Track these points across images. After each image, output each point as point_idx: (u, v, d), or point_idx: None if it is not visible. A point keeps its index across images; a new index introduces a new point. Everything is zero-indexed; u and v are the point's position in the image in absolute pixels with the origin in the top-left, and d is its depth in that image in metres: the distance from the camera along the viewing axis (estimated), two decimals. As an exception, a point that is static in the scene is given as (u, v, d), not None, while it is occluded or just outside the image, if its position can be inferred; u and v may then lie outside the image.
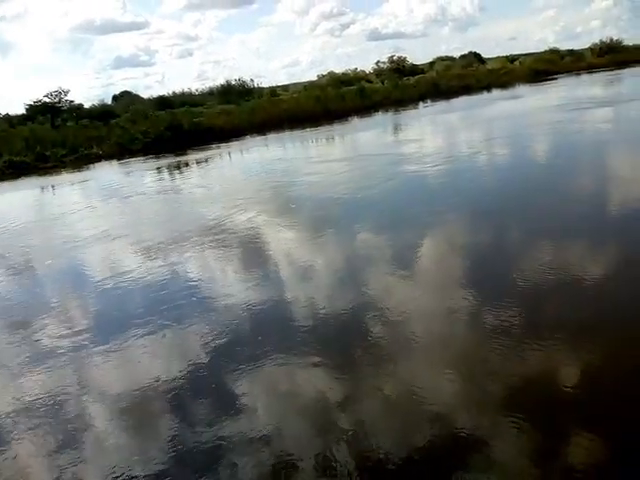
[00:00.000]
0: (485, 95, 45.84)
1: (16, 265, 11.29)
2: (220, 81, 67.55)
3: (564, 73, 62.92)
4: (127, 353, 6.52)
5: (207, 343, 6.45)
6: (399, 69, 74.85)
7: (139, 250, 10.90)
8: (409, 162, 17.16)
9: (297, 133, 33.46)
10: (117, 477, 4.31)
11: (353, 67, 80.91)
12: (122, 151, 31.43)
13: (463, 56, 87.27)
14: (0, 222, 15.61)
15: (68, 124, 46.76)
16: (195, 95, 66.40)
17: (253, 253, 9.89)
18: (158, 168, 24.74)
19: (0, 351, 7.09)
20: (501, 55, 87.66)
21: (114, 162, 29.38)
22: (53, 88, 49.68)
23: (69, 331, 7.31)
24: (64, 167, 29.38)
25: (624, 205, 9.84)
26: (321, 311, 6.98)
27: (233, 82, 63.59)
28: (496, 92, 47.48)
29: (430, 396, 4.82)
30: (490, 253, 8.49)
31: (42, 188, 23.98)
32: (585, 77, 55.01)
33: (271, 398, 5.28)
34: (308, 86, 66.64)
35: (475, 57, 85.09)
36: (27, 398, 5.73)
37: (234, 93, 59.17)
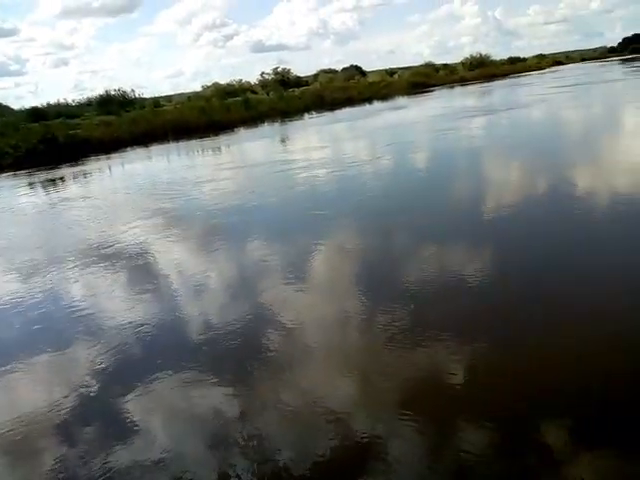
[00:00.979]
0: (368, 107, 47.45)
1: None
2: (99, 91, 64.70)
3: (439, 85, 66.77)
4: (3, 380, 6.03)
5: (93, 367, 6.05)
6: (284, 81, 75.85)
7: (12, 273, 10.12)
8: (299, 170, 17.25)
9: (182, 144, 32.73)
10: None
11: (238, 78, 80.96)
12: (-10, 166, 29.08)
13: (345, 69, 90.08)
14: None
15: None
16: (72, 106, 63.36)
17: (141, 270, 9.39)
18: (30, 184, 23.08)
19: None
20: (381, 68, 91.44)
21: (-20, 178, 27.11)
22: None
23: None
24: None
25: (502, 207, 10.46)
26: (215, 326, 6.75)
27: (113, 92, 61.38)
28: (378, 104, 49.27)
29: (328, 403, 4.79)
30: (378, 257, 8.62)
31: None
32: (459, 89, 58.60)
33: (166, 420, 5.03)
34: (192, 97, 65.68)
35: (357, 70, 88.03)
36: None
37: (114, 104, 56.96)
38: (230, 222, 12.02)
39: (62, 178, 23.76)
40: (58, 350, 6.60)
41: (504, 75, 75.74)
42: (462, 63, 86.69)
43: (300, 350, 5.94)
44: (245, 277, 8.63)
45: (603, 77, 51.16)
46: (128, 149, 32.72)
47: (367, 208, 11.72)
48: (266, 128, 38.97)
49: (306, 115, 44.87)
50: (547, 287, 6.69)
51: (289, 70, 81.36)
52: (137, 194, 17.46)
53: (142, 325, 6.94)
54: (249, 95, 61.07)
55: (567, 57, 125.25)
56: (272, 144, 28.11)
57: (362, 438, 4.31)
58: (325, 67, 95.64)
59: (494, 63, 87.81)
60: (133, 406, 5.21)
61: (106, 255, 10.28)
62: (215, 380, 5.50)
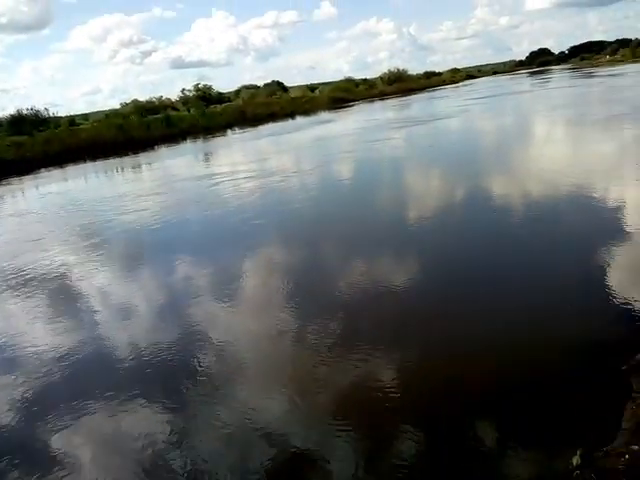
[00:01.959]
0: (291, 122, 47.63)
1: None
2: (10, 111, 61.50)
3: (359, 100, 68.04)
4: None
5: (15, 397, 5.69)
6: (205, 97, 75.08)
7: None
8: (225, 189, 16.96)
9: (100, 164, 31.56)
10: None
11: (158, 95, 79.44)
12: None
13: (267, 84, 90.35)
14: None
15: None
16: (-20, 127, 59.77)
17: (62, 297, 8.82)
18: None
19: None
20: (302, 84, 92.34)
21: None
22: None
23: None
24: None
25: (430, 214, 10.68)
26: (144, 349, 6.43)
27: (25, 112, 58.38)
28: (301, 119, 49.61)
29: (264, 419, 4.75)
30: (305, 268, 8.61)
31: None
32: (379, 103, 59.93)
33: (94, 448, 4.77)
34: (110, 114, 63.79)
35: (278, 85, 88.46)
36: None
37: (26, 123, 54.22)
38: (155, 239, 11.70)
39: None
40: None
41: (421, 89, 78.32)
42: (381, 78, 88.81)
43: (231, 366, 5.80)
44: (175, 292, 8.42)
45: (514, 89, 53.94)
46: (42, 170, 31.21)
47: (296, 219, 11.69)
48: (188, 145, 38.28)
49: (229, 131, 44.51)
50: (467, 292, 6.89)
51: (210, 86, 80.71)
52: (55, 218, 16.59)
53: (65, 353, 6.59)
54: (170, 112, 59.98)
55: (479, 71, 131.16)
56: (195, 161, 27.61)
57: (298, 450, 4.28)
58: (247, 83, 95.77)
59: (411, 77, 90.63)
60: (60, 436, 4.92)
61: (24, 281, 9.69)
62: (145, 403, 5.28)
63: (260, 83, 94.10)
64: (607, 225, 8.61)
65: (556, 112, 26.82)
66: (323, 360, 5.59)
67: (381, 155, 20.04)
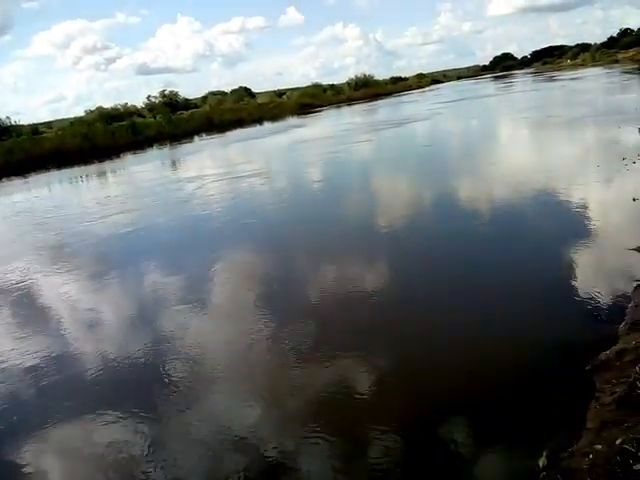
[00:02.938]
0: (259, 128, 47.46)
1: None
2: (-31, 120, 59.90)
3: (327, 105, 68.26)
4: None
5: None
6: (172, 103, 74.49)
7: None
8: (192, 195, 16.80)
9: (65, 172, 30.97)
10: None
11: (123, 102, 78.47)
12: None
13: (234, 91, 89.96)
14: None
15: None
16: (-63, 136, 58.10)
17: (26, 308, 8.64)
18: None
19: None
20: (270, 89, 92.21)
21: None
22: None
23: None
24: None
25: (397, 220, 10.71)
26: (113, 360, 6.33)
27: (-14, 121, 57.14)
28: (268, 125, 49.51)
29: (239, 427, 4.71)
30: (272, 275, 8.53)
31: None
32: (346, 109, 60.20)
33: (66, 463, 4.69)
34: (75, 122, 62.71)
35: (246, 91, 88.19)
36: None
37: (-13, 132, 53.08)
38: (121, 247, 11.60)
39: None
40: None
41: (388, 94, 78.88)
42: (348, 83, 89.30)
43: (203, 375, 5.74)
44: (141, 300, 8.35)
45: (479, 93, 54.79)
46: (4, 180, 30.52)
47: (265, 225, 11.62)
48: (155, 152, 37.83)
49: (196, 138, 44.16)
50: (434, 295, 6.97)
51: (177, 93, 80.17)
52: (19, 225, 16.19)
53: (34, 366, 6.43)
54: (135, 119, 59.26)
55: (444, 76, 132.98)
56: (162, 168, 27.22)
57: (273, 458, 4.25)
58: (214, 89, 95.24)
59: (378, 83, 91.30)
60: (28, 453, 4.79)
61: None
62: (117, 416, 5.16)
63: (227, 89, 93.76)
64: (570, 226, 8.77)
65: (522, 115, 27.30)
66: (296, 366, 5.58)
67: (353, 159, 20.14)
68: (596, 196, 10.15)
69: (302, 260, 9.41)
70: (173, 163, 29.48)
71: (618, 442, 3.54)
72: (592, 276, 6.69)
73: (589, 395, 4.39)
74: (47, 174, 31.35)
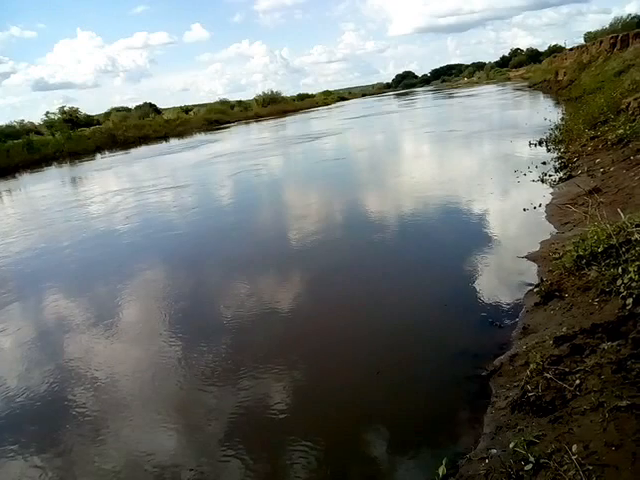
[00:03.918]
0: (165, 145, 46.32)
1: None
2: None
3: (235, 122, 67.89)
4: None
5: None
6: (72, 120, 71.26)
7: None
8: (87, 214, 16.09)
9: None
10: None
11: (20, 119, 74.40)
12: None
13: (139, 106, 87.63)
14: None
15: None
16: None
17: None
18: None
19: None
20: (176, 106, 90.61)
21: None
22: None
23: None
24: None
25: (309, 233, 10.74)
26: (13, 392, 6.00)
27: None
28: (175, 141, 48.43)
29: (155, 452, 4.61)
30: (185, 293, 8.32)
31: None
32: (255, 125, 60.05)
33: None
34: (-36, 140, 58.58)
35: (151, 107, 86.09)
36: None
37: None
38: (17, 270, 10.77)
39: None
40: None
41: (295, 110, 79.61)
42: (255, 100, 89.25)
43: (113, 402, 5.56)
44: (45, 325, 8.00)
45: (384, 109, 56.49)
46: None
47: (170, 243, 11.30)
48: (53, 171, 35.97)
49: (98, 155, 42.52)
50: (337, 309, 7.05)
51: (77, 109, 76.75)
52: None
53: None
54: (32, 136, 56.16)
55: (350, 93, 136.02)
56: (60, 187, 25.90)
57: None
58: (117, 105, 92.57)
59: (285, 99, 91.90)
60: None
61: None
62: (18, 450, 4.92)
63: (131, 105, 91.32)
64: (465, 236, 9.16)
65: (425, 129, 28.35)
66: (209, 385, 5.54)
67: (265, 174, 19.99)
68: (489, 207, 10.65)
69: (210, 275, 9.26)
70: (73, 181, 28.20)
71: (511, 445, 3.66)
72: (487, 284, 6.96)
73: (486, 400, 4.52)
74: None
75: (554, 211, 9.13)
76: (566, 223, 8.33)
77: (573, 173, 11.24)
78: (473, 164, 16.42)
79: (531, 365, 4.42)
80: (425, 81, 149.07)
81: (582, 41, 57.61)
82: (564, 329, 4.84)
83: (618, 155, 10.84)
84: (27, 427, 5.37)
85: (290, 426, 4.73)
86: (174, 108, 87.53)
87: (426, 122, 33.04)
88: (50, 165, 39.02)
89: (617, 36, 32.79)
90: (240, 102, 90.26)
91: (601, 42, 36.35)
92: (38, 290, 9.64)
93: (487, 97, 49.80)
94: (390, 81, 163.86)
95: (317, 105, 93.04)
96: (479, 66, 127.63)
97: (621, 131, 11.89)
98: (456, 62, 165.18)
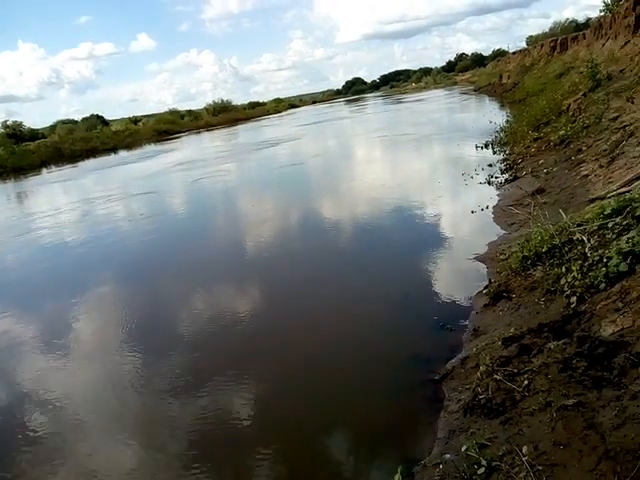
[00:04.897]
0: (114, 157, 45.38)
1: None
2: None
3: (186, 132, 67.05)
4: None
5: None
6: (15, 134, 69.07)
7: None
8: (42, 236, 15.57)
9: None
10: None
11: (-42, 134, 71.52)
12: None
13: (86, 119, 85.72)
14: None
15: None
16: None
17: None
18: None
19: None
20: (124, 117, 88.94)
21: None
22: None
23: None
24: None
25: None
26: None
27: None
28: (124, 153, 47.46)
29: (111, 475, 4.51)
30: (142, 306, 8.24)
31: None
32: (207, 134, 59.42)
33: None
34: None
35: (98, 119, 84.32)
36: None
37: None
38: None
39: None
40: None
41: (247, 119, 79.24)
42: (206, 109, 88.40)
43: (71, 423, 5.44)
44: None
45: (335, 115, 56.87)
46: None
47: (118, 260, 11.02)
48: (-4, 188, 34.77)
49: (44, 170, 41.27)
50: (296, 317, 7.06)
51: (21, 123, 74.55)
52: None
53: None
54: (-27, 152, 54.11)
55: (301, 100, 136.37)
56: (5, 204, 25.04)
57: None
58: (63, 117, 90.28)
59: (236, 108, 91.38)
60: None
61: None
62: None
63: (78, 117, 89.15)
64: (414, 240, 9.28)
65: (377, 134, 28.60)
66: (170, 400, 5.48)
67: (216, 186, 19.78)
68: (439, 210, 10.80)
69: (167, 287, 9.17)
70: (18, 196, 27.35)
71: (464, 449, 3.67)
72: (438, 287, 7.04)
73: (439, 404, 4.54)
74: None
75: (501, 213, 9.32)
76: (512, 224, 8.51)
77: (518, 174, 11.51)
78: (423, 168, 16.66)
79: (481, 367, 4.45)
80: (374, 87, 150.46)
81: (524, 45, 59.36)
82: (512, 330, 4.91)
83: (560, 156, 11.16)
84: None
85: (244, 435, 4.75)
86: (122, 119, 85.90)
87: (377, 127, 33.35)
88: (-9, 181, 37.67)
89: (557, 39, 33.83)
90: (190, 112, 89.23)
91: (542, 45, 37.56)
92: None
93: (435, 101, 50.69)
94: (340, 87, 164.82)
95: (268, 113, 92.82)
96: (426, 71, 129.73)
97: (562, 132, 12.25)
98: (404, 68, 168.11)
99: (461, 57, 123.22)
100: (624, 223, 5.30)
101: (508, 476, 3.25)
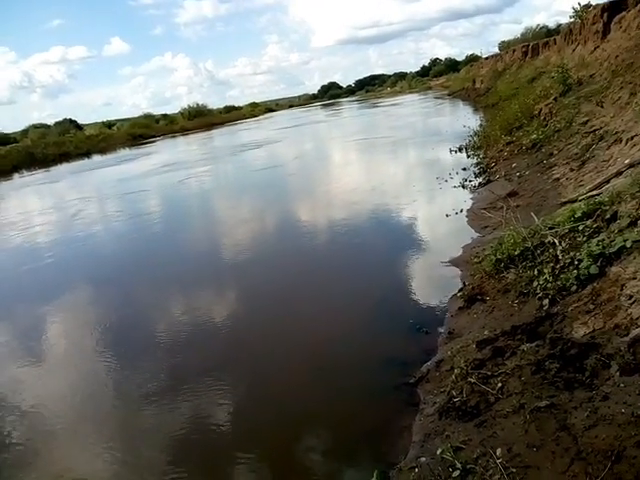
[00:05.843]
0: (87, 161, 44.73)
1: None
2: None
3: (161, 136, 66.43)
4: None
5: None
6: (-15, 139, 67.87)
7: None
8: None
9: None
10: None
11: None
12: None
13: (59, 123, 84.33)
14: None
15: None
16: None
17: None
18: None
19: None
20: (98, 121, 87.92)
21: None
22: None
23: None
24: None
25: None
26: None
27: None
28: (98, 157, 46.84)
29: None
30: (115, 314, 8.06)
31: None
32: (182, 139, 58.95)
33: None
34: None
35: (71, 123, 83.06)
36: None
37: None
38: None
39: None
40: None
41: (223, 123, 78.86)
42: (181, 113, 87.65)
43: (46, 431, 5.38)
44: None
45: (312, 119, 56.94)
46: None
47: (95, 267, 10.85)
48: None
49: (16, 175, 40.55)
50: (271, 319, 7.07)
51: (-9, 127, 73.35)
52: None
53: None
54: (-58, 158, 52.97)
55: (277, 104, 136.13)
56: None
57: None
58: (35, 122, 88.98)
59: (212, 112, 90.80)
60: None
61: None
62: None
63: (51, 122, 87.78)
64: (390, 244, 9.31)
65: (353, 138, 28.71)
66: (150, 406, 5.46)
67: (192, 190, 19.64)
68: (415, 214, 10.87)
69: (142, 291, 9.09)
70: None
71: (439, 452, 3.68)
72: (414, 290, 7.07)
73: (415, 408, 4.55)
74: None
75: (474, 216, 9.41)
76: (486, 227, 8.59)
77: (492, 178, 11.64)
78: (398, 171, 16.76)
79: (456, 370, 4.48)
80: (350, 91, 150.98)
81: (497, 50, 60.12)
82: (486, 332, 4.95)
83: (532, 159, 11.32)
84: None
85: (218, 440, 4.76)
86: (96, 123, 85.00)
87: (354, 130, 33.48)
88: (-39, 187, 36.87)
89: (529, 45, 34.34)
90: (165, 116, 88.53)
91: (514, 51, 38.07)
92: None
93: (410, 106, 51.05)
94: (316, 92, 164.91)
95: (245, 117, 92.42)
96: (401, 76, 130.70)
97: (534, 136, 12.43)
98: (379, 72, 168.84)
99: (435, 62, 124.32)
100: (594, 226, 5.39)
101: (482, 479, 3.27)
